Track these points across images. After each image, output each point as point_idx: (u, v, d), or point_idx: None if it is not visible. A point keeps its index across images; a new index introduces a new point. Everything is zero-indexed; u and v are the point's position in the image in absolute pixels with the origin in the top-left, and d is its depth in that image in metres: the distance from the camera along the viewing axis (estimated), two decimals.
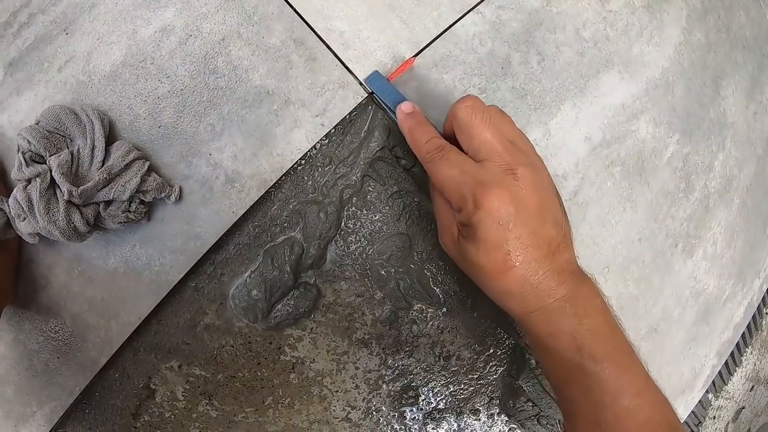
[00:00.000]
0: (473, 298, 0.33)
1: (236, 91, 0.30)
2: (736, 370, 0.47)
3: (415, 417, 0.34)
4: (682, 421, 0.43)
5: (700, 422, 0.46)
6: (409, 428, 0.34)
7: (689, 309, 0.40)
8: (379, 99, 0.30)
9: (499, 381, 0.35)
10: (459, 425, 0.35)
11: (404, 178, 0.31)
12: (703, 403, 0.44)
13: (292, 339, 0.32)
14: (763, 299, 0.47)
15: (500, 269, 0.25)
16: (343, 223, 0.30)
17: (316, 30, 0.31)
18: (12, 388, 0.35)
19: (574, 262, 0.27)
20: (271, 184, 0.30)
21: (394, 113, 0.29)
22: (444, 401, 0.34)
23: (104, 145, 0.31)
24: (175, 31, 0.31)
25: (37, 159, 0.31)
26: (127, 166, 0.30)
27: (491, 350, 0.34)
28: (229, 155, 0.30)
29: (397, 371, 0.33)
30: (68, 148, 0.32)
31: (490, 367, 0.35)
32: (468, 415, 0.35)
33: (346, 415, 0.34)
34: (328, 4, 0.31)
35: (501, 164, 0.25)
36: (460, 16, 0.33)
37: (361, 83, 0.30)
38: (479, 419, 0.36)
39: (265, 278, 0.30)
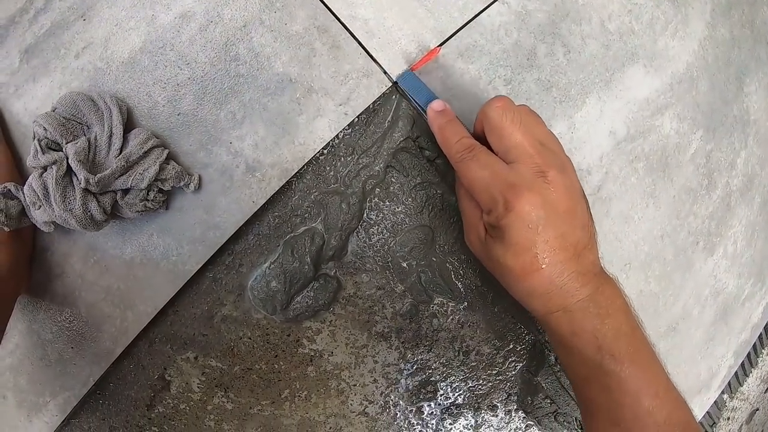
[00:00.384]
0: (494, 292, 0.33)
1: (258, 79, 0.30)
2: (751, 372, 0.47)
3: (432, 412, 0.34)
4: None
5: (714, 423, 0.45)
6: (426, 423, 0.34)
7: (708, 308, 0.40)
8: (411, 98, 0.29)
9: (518, 377, 0.35)
10: (476, 421, 0.35)
11: (428, 169, 0.31)
12: (718, 404, 0.44)
13: (310, 331, 0.31)
14: None
15: (527, 271, 0.25)
16: (365, 215, 0.30)
17: (339, 17, 0.30)
18: (25, 377, 0.35)
19: (598, 263, 0.27)
20: (293, 173, 0.29)
21: (425, 112, 0.29)
22: (462, 396, 0.34)
23: (122, 132, 0.30)
24: (195, 17, 0.31)
25: (53, 146, 0.31)
26: (146, 153, 0.30)
27: (511, 346, 0.34)
28: (250, 144, 0.29)
29: (416, 366, 0.33)
30: (85, 135, 0.31)
31: (509, 363, 0.34)
32: (485, 410, 0.35)
33: (363, 410, 0.33)
34: None
35: (532, 166, 0.25)
36: (485, 5, 0.32)
37: (385, 72, 0.30)
38: (497, 415, 0.35)
39: (285, 269, 0.30)
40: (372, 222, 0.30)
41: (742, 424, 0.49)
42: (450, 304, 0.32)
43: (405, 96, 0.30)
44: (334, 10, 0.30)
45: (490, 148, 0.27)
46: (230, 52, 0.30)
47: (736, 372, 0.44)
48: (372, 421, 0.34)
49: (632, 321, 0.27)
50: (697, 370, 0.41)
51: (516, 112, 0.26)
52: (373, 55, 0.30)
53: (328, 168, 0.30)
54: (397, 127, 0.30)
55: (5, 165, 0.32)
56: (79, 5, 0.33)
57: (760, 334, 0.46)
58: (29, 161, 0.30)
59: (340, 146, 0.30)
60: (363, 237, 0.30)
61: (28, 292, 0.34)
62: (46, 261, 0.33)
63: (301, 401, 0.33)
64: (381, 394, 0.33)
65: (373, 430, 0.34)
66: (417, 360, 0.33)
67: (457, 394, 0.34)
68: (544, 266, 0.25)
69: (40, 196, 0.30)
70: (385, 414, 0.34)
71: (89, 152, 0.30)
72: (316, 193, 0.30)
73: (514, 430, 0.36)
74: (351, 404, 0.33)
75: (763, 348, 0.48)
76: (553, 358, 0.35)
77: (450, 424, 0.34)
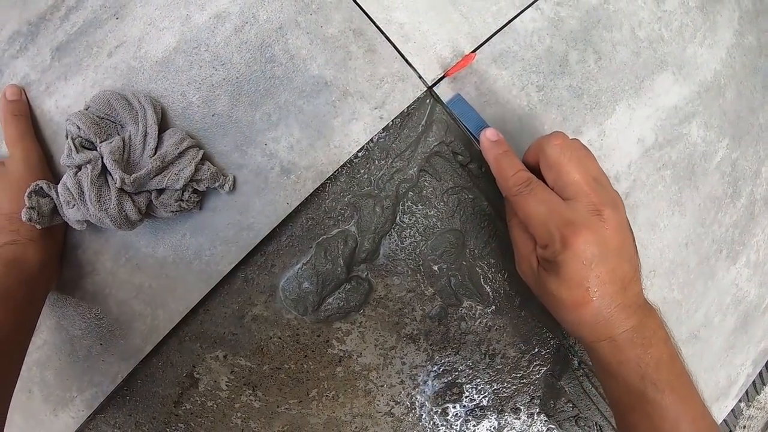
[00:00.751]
0: (522, 297, 0.34)
1: (293, 81, 0.30)
2: None
3: (457, 413, 0.35)
4: None
5: (731, 431, 0.46)
6: (451, 425, 0.35)
7: (729, 316, 0.40)
8: (460, 122, 0.30)
9: (542, 381, 0.36)
10: (499, 423, 0.36)
11: (460, 174, 0.31)
12: (735, 412, 0.45)
13: (340, 332, 0.32)
14: None
15: (578, 303, 0.26)
16: (398, 218, 0.31)
17: (375, 21, 0.30)
18: (52, 372, 0.36)
19: (642, 294, 0.28)
20: (328, 176, 0.30)
21: (474, 136, 0.30)
22: (486, 399, 0.35)
23: (157, 132, 0.31)
24: (230, 17, 0.31)
25: (87, 145, 0.31)
26: (181, 154, 0.30)
27: (536, 350, 0.35)
28: (285, 146, 0.30)
29: (443, 367, 0.33)
30: (119, 134, 0.32)
31: (533, 367, 0.35)
32: (509, 413, 0.36)
33: (390, 410, 0.34)
34: None
35: (588, 205, 0.26)
36: (519, 11, 0.32)
37: (420, 76, 0.30)
38: (519, 418, 0.36)
39: (318, 271, 0.30)
40: (404, 225, 0.31)
41: None
42: (478, 307, 0.33)
43: (445, 109, 0.30)
44: (369, 14, 0.31)
45: (541, 178, 0.28)
46: (266, 53, 0.30)
47: (753, 381, 0.45)
48: (397, 422, 0.34)
49: (672, 350, 0.28)
50: (716, 378, 0.41)
51: (573, 149, 0.27)
52: (409, 59, 0.30)
53: (362, 171, 0.30)
54: (431, 131, 0.30)
55: (37, 163, 0.33)
56: (112, 4, 0.33)
57: None
58: (63, 160, 0.31)
59: (374, 150, 0.30)
60: (395, 240, 0.31)
61: (57, 289, 0.34)
62: (76, 258, 0.33)
63: (328, 401, 0.33)
64: (407, 395, 0.34)
65: (398, 430, 0.34)
66: (444, 362, 0.33)
67: (481, 397, 0.35)
68: (594, 298, 0.26)
69: (75, 196, 0.30)
70: (410, 415, 0.34)
71: (124, 152, 0.31)
72: (350, 196, 0.30)
73: None
74: (377, 404, 0.34)
75: None
76: (576, 362, 0.36)
77: (474, 425, 0.35)
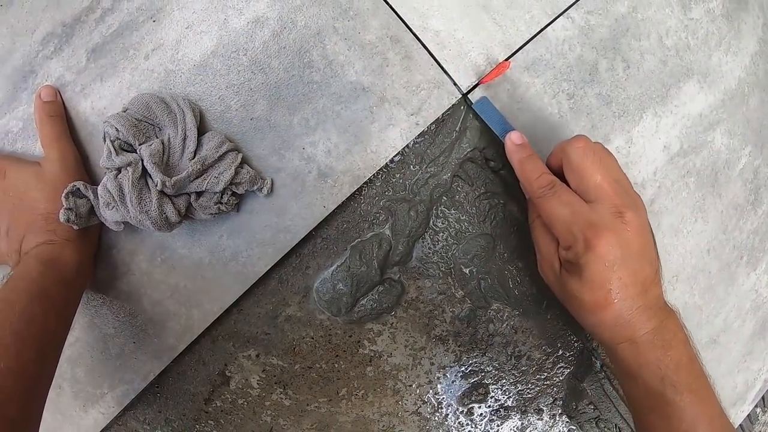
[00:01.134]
0: (548, 300, 0.35)
1: (331, 86, 0.31)
2: None
3: (482, 413, 0.36)
4: None
5: None
6: (476, 424, 0.36)
7: (748, 322, 0.42)
8: (486, 122, 0.31)
9: (565, 383, 0.37)
10: (522, 423, 0.37)
11: (492, 179, 0.32)
12: (751, 417, 0.46)
13: (372, 333, 0.33)
14: None
15: (600, 305, 0.27)
16: (431, 222, 0.32)
17: (412, 28, 0.31)
18: (83, 369, 0.37)
19: (662, 297, 0.29)
20: (364, 180, 0.31)
21: (500, 138, 0.31)
22: (511, 399, 0.36)
23: (196, 135, 0.32)
24: (268, 22, 0.32)
25: (125, 147, 0.32)
26: (221, 157, 0.31)
27: (560, 352, 0.36)
28: (323, 150, 0.31)
29: (470, 368, 0.35)
30: (157, 137, 0.33)
31: (557, 369, 0.36)
32: (532, 414, 0.37)
33: (417, 409, 0.35)
34: (423, 2, 0.32)
35: (611, 207, 0.27)
36: (551, 19, 0.33)
37: (455, 83, 0.32)
38: (542, 419, 0.37)
39: (352, 273, 0.31)
40: (437, 229, 0.32)
41: None
42: (506, 309, 0.34)
43: (477, 115, 0.31)
44: (406, 21, 0.32)
45: (564, 181, 0.28)
46: (304, 58, 0.31)
47: None
48: (424, 421, 0.36)
49: (691, 352, 0.29)
50: (734, 383, 0.43)
51: (596, 152, 0.28)
52: (444, 66, 0.31)
53: (397, 176, 0.31)
54: (464, 137, 0.32)
55: (73, 164, 0.33)
56: (148, 6, 0.34)
57: None
58: (103, 162, 0.32)
59: (409, 155, 0.31)
60: (428, 243, 0.32)
61: (91, 288, 0.35)
62: (111, 258, 0.34)
63: (357, 399, 0.35)
64: (435, 394, 0.35)
65: (424, 429, 0.36)
66: (471, 363, 0.35)
67: (506, 397, 0.36)
68: (616, 300, 0.27)
69: (115, 198, 0.31)
70: (437, 414, 0.36)
71: (163, 154, 0.32)
72: (385, 200, 0.31)
73: None
74: (405, 404, 0.35)
75: None
76: (598, 365, 0.37)
77: (498, 425, 0.37)
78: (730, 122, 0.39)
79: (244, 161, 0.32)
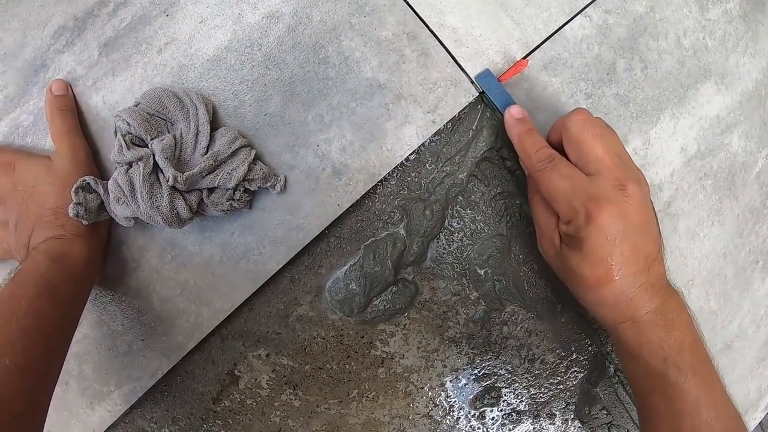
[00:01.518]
0: (563, 303, 0.34)
1: (347, 83, 0.31)
2: None
3: (494, 417, 0.35)
4: None
5: None
6: (488, 428, 0.36)
7: (763, 328, 0.41)
8: (487, 97, 0.30)
9: (578, 387, 0.36)
10: (534, 428, 0.37)
11: (508, 179, 0.32)
12: (762, 425, 0.46)
13: (384, 334, 0.33)
14: None
15: (601, 281, 0.26)
16: (446, 222, 0.31)
17: (429, 25, 0.31)
18: (90, 366, 0.36)
19: (665, 276, 0.29)
20: (379, 178, 0.30)
21: (501, 113, 0.30)
22: (524, 403, 0.36)
23: (209, 130, 0.31)
24: (283, 17, 0.32)
25: (137, 142, 0.32)
26: (234, 153, 0.31)
27: (574, 356, 0.36)
28: (338, 147, 0.31)
29: (483, 371, 0.34)
30: (169, 131, 0.32)
31: (570, 373, 0.36)
32: (544, 418, 0.36)
33: (428, 412, 0.35)
34: None
35: (612, 179, 0.26)
36: (569, 18, 0.33)
37: (472, 81, 0.31)
38: (554, 423, 0.37)
39: (366, 272, 0.31)
40: (452, 229, 0.32)
41: None
42: (520, 312, 0.34)
43: (488, 103, 0.31)
44: (423, 17, 0.31)
45: (565, 156, 0.28)
46: (319, 54, 0.31)
47: None
48: (435, 424, 0.35)
49: (695, 333, 0.28)
50: (747, 389, 0.42)
51: (596, 125, 0.27)
52: (461, 64, 0.31)
53: (413, 174, 0.31)
54: (481, 136, 0.31)
55: (84, 158, 0.33)
56: (162, 1, 0.34)
57: None
58: (114, 156, 0.31)
59: (425, 153, 0.31)
60: (443, 244, 0.32)
61: (100, 284, 0.35)
62: (121, 254, 0.34)
63: (368, 401, 0.34)
64: (446, 397, 0.35)
65: None
66: (484, 366, 0.34)
67: (518, 401, 0.36)
68: (617, 277, 0.26)
69: (126, 193, 0.31)
70: (448, 417, 0.35)
71: (175, 149, 0.31)
72: (400, 199, 0.31)
73: None
74: (416, 406, 0.35)
75: None
76: (612, 369, 0.37)
77: (510, 429, 0.36)
78: (747, 124, 0.39)
79: (257, 158, 0.31)
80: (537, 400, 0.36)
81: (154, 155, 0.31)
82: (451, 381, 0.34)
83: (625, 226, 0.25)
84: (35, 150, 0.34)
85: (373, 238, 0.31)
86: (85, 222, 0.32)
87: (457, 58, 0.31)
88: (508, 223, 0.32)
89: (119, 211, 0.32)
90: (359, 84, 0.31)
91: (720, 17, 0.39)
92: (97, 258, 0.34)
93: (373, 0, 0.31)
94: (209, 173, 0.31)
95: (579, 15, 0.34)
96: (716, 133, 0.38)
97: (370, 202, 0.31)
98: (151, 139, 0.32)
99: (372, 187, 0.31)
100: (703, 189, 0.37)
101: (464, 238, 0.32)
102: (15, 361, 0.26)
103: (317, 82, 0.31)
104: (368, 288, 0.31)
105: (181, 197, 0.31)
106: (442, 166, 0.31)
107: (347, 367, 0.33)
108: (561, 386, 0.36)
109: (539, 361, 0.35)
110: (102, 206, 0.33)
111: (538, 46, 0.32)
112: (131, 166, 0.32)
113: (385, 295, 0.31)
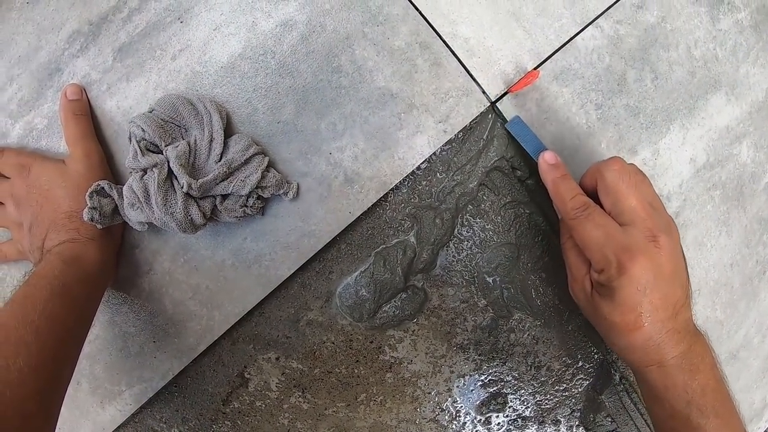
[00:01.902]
0: (570, 311, 0.35)
1: (360, 91, 0.31)
2: None
3: (500, 423, 0.36)
4: None
5: None
6: None
7: None
8: (518, 143, 0.31)
9: (583, 394, 0.37)
10: None
11: (518, 189, 0.32)
12: None
13: (393, 340, 0.33)
14: None
15: (630, 328, 0.27)
16: (456, 230, 0.32)
17: (441, 34, 0.31)
18: (102, 366, 0.37)
19: (691, 320, 0.29)
20: (391, 187, 0.31)
21: (533, 159, 0.31)
22: (529, 410, 0.36)
23: (223, 137, 0.32)
24: (297, 26, 0.32)
25: (151, 148, 0.32)
26: (247, 160, 0.31)
27: (580, 364, 0.36)
28: (350, 155, 0.31)
29: (489, 377, 0.35)
30: (183, 138, 0.33)
31: (576, 380, 0.36)
32: (549, 425, 0.37)
33: (435, 417, 0.35)
34: (453, 9, 0.32)
35: (644, 231, 0.27)
36: (580, 28, 0.33)
37: (484, 92, 0.32)
38: (559, 430, 0.37)
39: (376, 279, 0.32)
40: (462, 238, 0.32)
41: None
42: (528, 320, 0.34)
43: (497, 113, 0.32)
44: (436, 27, 0.32)
45: (598, 202, 0.29)
46: (332, 63, 0.31)
47: None
48: (441, 429, 0.36)
49: (718, 375, 0.29)
50: (751, 399, 0.43)
51: (631, 175, 0.28)
52: (473, 74, 0.31)
53: (423, 183, 0.31)
54: (492, 146, 0.32)
55: (98, 163, 0.34)
56: (176, 7, 0.34)
57: None
58: (129, 162, 0.32)
59: (436, 162, 0.31)
60: (452, 252, 0.32)
61: (112, 287, 0.36)
62: (134, 257, 0.35)
63: (376, 405, 0.35)
64: (453, 402, 0.35)
65: None
66: (491, 372, 0.35)
67: (524, 407, 0.36)
68: (646, 324, 0.27)
69: (141, 198, 0.31)
70: (454, 422, 0.36)
71: (189, 156, 0.32)
72: (411, 207, 0.32)
73: None
74: (423, 411, 0.35)
75: None
76: (617, 377, 0.37)
77: None
78: (756, 135, 0.39)
79: (270, 165, 0.32)
80: (542, 407, 0.37)
81: (168, 162, 0.32)
82: (458, 386, 0.35)
83: (655, 276, 0.26)
84: (50, 153, 0.35)
85: (384, 246, 0.32)
86: (99, 226, 0.32)
87: (468, 68, 0.31)
88: (517, 232, 0.33)
89: (133, 216, 0.33)
90: (372, 93, 0.31)
91: (731, 28, 0.39)
92: (110, 261, 0.35)
93: (386, 9, 0.32)
94: (223, 180, 0.31)
95: (590, 25, 0.34)
96: (725, 143, 0.38)
97: (381, 210, 0.32)
98: (166, 146, 0.32)
99: (383, 195, 0.31)
100: (711, 199, 0.37)
101: (473, 247, 0.32)
102: (28, 363, 0.26)
103: (330, 90, 0.31)
104: (378, 294, 0.32)
105: (195, 204, 0.31)
106: (452, 175, 0.31)
107: (356, 371, 0.34)
108: (566, 393, 0.37)
109: (545, 368, 0.36)
110: (116, 210, 0.34)
111: (549, 57, 0.33)
112: (146, 173, 0.32)
113: (395, 301, 0.32)
